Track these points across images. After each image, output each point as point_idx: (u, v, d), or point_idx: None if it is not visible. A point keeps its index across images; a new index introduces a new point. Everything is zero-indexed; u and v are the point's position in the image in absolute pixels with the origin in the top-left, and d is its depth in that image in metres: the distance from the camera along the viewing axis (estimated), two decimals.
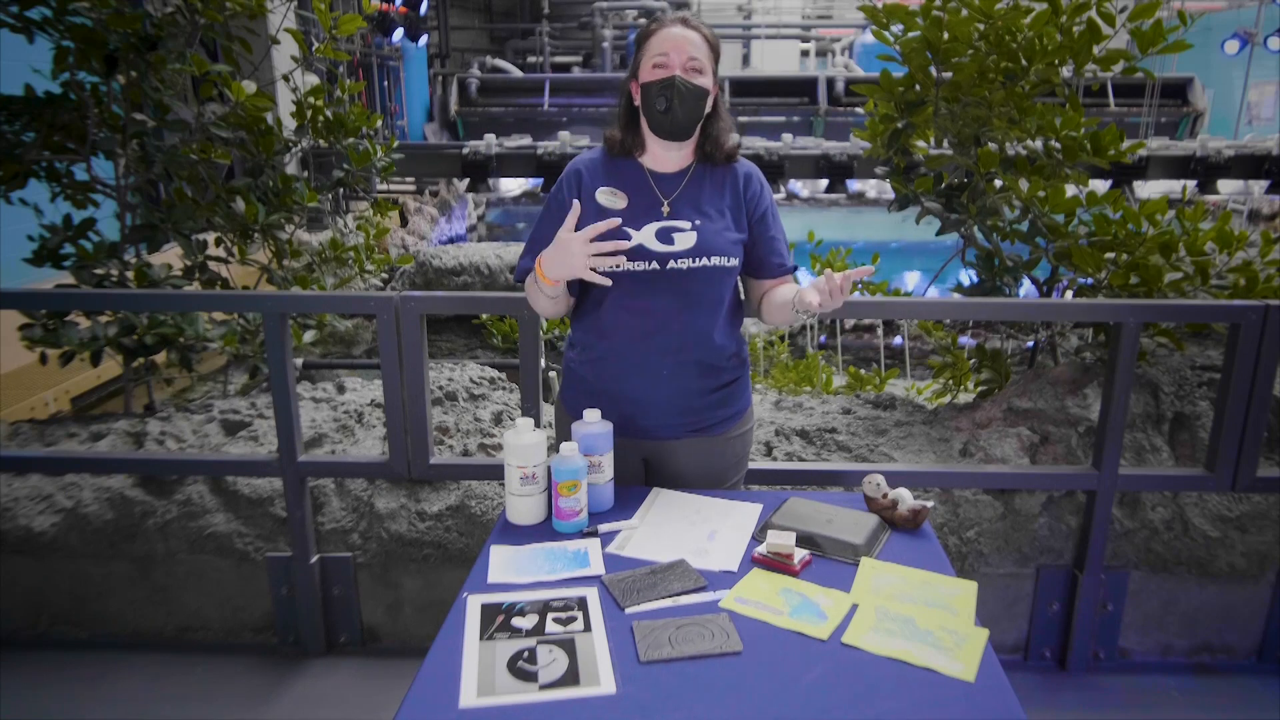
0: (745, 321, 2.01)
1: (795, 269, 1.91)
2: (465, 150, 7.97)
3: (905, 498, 1.69)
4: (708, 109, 1.76)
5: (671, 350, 1.79)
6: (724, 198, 1.82)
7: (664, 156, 1.81)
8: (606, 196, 1.78)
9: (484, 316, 5.27)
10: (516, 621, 1.38)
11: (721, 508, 1.77)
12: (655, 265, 1.75)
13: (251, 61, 3.20)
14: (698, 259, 1.76)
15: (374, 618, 2.59)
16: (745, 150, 7.68)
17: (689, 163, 1.82)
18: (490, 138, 8.07)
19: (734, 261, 1.80)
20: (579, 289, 1.87)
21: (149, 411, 3.04)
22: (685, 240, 1.76)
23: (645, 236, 1.76)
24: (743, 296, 1.95)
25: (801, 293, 1.64)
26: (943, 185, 2.91)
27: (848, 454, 2.61)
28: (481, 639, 1.34)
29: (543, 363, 2.33)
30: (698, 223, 1.78)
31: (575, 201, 1.69)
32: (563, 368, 1.97)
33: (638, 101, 1.76)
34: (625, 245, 1.66)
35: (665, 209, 1.78)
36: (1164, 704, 2.39)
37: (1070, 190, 2.71)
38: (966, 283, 2.94)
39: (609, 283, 1.66)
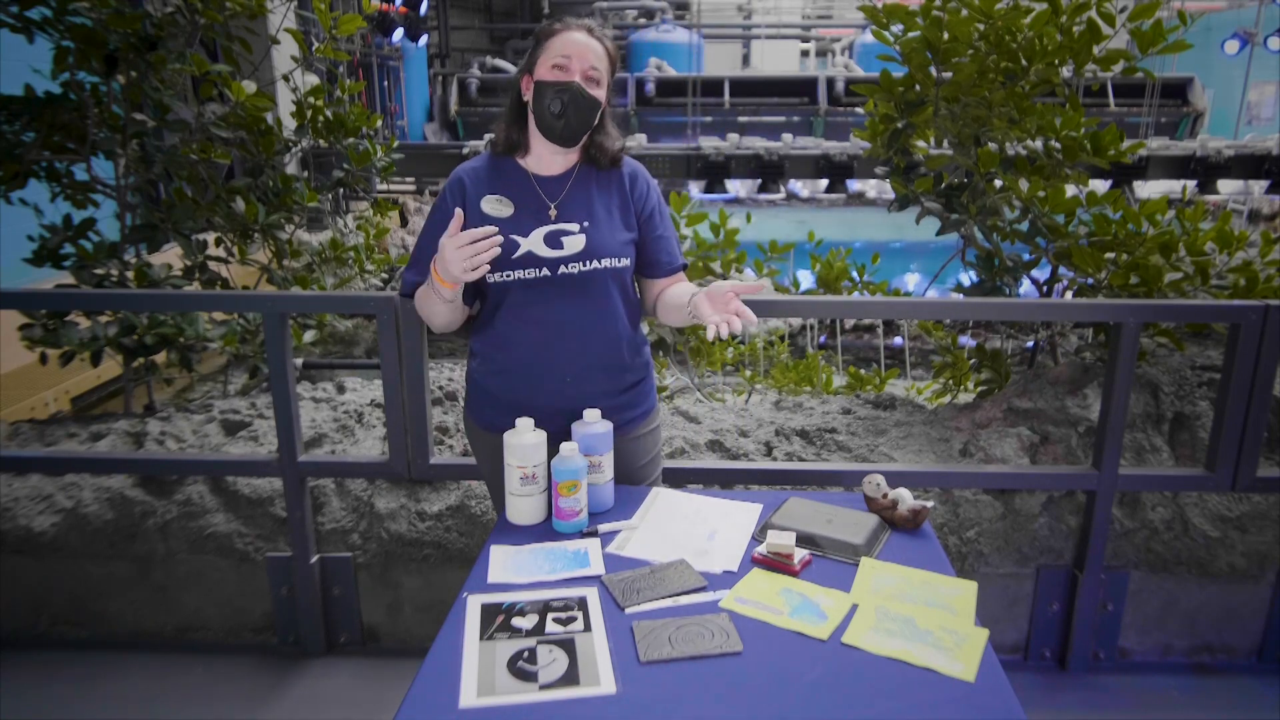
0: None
1: (684, 266, 1.90)
2: (465, 150, 7.96)
3: (905, 498, 1.69)
4: (595, 121, 1.75)
5: (572, 356, 1.78)
6: (612, 197, 1.80)
7: (549, 159, 1.78)
8: (492, 204, 1.76)
9: None
10: (516, 621, 1.38)
11: (721, 508, 1.77)
12: (546, 272, 1.73)
13: (251, 61, 3.20)
14: (589, 262, 1.74)
15: (374, 618, 2.59)
16: (745, 150, 7.60)
17: (574, 163, 1.80)
18: (490, 138, 8.07)
19: (625, 262, 1.78)
20: (476, 301, 1.84)
21: (149, 411, 3.04)
22: (574, 244, 1.74)
23: (534, 243, 1.73)
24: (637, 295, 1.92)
25: (696, 302, 1.64)
26: (943, 185, 2.92)
27: (848, 454, 2.61)
28: (481, 639, 1.34)
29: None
30: (586, 224, 1.76)
31: (458, 210, 1.63)
32: (465, 378, 1.94)
33: (528, 97, 1.74)
34: (497, 241, 1.57)
35: (552, 212, 1.76)
36: (1164, 704, 2.39)
37: (1070, 190, 2.71)
38: (966, 283, 2.94)
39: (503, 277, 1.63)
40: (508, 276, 1.73)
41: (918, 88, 2.78)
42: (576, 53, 1.68)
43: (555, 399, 1.79)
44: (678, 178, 7.69)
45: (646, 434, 1.93)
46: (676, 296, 1.80)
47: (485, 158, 1.84)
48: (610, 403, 1.82)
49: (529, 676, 1.25)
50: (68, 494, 2.53)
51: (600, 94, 1.72)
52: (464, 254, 1.55)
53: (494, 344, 1.82)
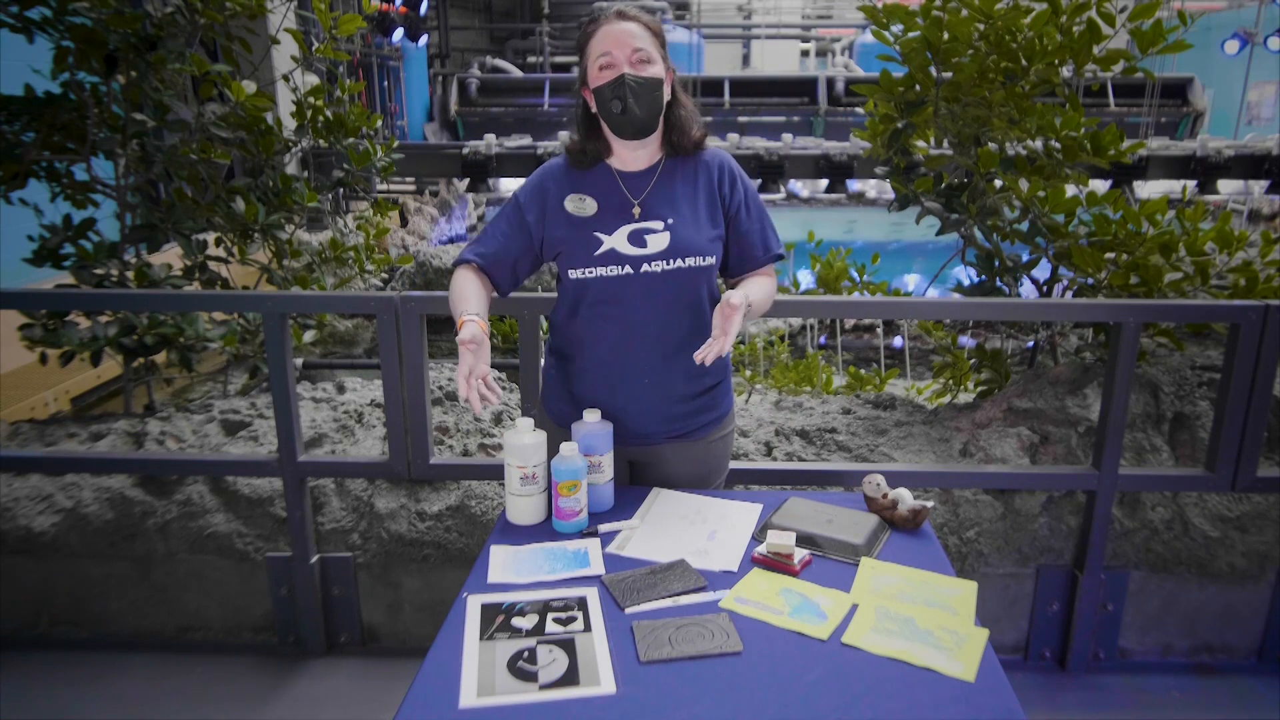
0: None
1: (780, 256, 1.85)
2: (465, 150, 7.95)
3: (905, 498, 1.69)
4: (666, 97, 1.71)
5: (652, 357, 1.76)
6: (697, 193, 1.77)
7: (630, 156, 1.76)
8: (574, 203, 1.75)
9: None
10: (516, 621, 1.38)
11: (721, 508, 1.77)
12: (629, 269, 1.70)
13: (251, 61, 3.20)
14: (672, 260, 1.71)
15: (374, 618, 2.59)
16: (745, 150, 7.57)
17: (657, 158, 1.78)
18: (490, 138, 8.06)
19: (710, 260, 1.75)
20: (514, 287, 1.83)
21: (149, 411, 3.04)
22: (658, 242, 1.71)
23: (617, 240, 1.71)
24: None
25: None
26: (943, 185, 2.92)
27: (848, 454, 2.61)
28: (481, 639, 1.34)
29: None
30: (671, 222, 1.73)
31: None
32: (542, 372, 1.93)
33: (594, 109, 1.72)
34: (488, 403, 1.52)
35: (636, 210, 1.73)
36: (1164, 704, 2.39)
37: (1070, 190, 2.71)
38: (966, 283, 2.94)
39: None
40: (589, 274, 1.71)
41: (918, 88, 2.78)
42: (615, 42, 1.65)
43: (632, 400, 1.77)
44: None
45: (721, 438, 1.90)
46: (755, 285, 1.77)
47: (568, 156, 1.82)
48: (687, 406, 1.81)
49: (529, 676, 1.25)
50: (68, 494, 2.53)
51: (655, 70, 1.67)
52: (468, 387, 1.52)
53: (572, 342, 1.80)
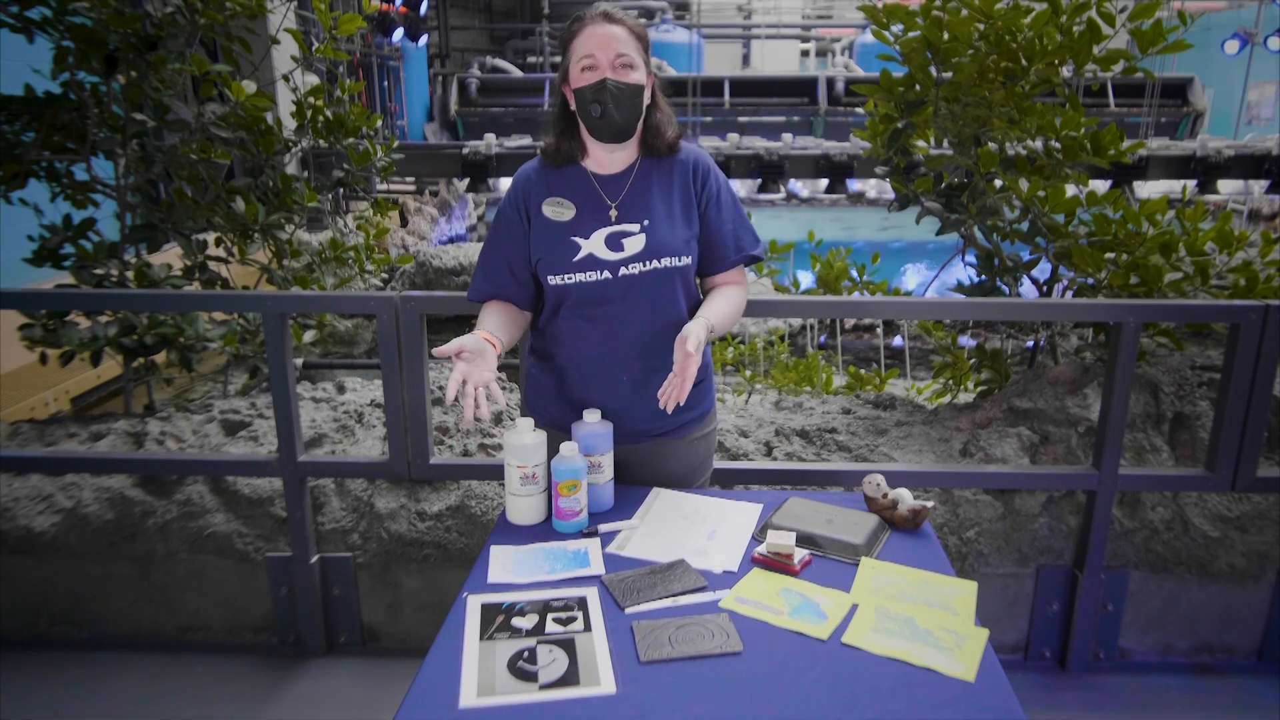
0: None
1: (753, 258, 1.85)
2: (465, 150, 7.95)
3: (905, 498, 1.69)
4: (646, 102, 1.72)
5: (631, 357, 1.77)
6: (673, 193, 1.78)
7: (607, 159, 1.76)
8: (552, 208, 1.75)
9: None
10: (516, 621, 1.38)
11: (721, 508, 1.77)
12: (607, 274, 1.72)
13: (251, 61, 3.20)
14: (649, 262, 1.73)
15: (374, 618, 2.59)
16: (745, 150, 7.55)
17: (633, 160, 1.78)
18: (490, 138, 8.06)
19: (686, 261, 1.76)
20: (535, 297, 1.84)
21: (149, 411, 3.04)
22: (635, 244, 1.72)
23: (595, 245, 1.72)
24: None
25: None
26: (943, 185, 2.91)
27: (848, 454, 2.61)
28: (481, 639, 1.34)
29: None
30: (647, 224, 1.74)
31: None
32: (524, 373, 1.93)
33: (573, 106, 1.71)
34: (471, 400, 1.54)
35: (613, 213, 1.74)
36: (1164, 704, 2.39)
37: (1070, 190, 2.71)
38: (967, 283, 2.94)
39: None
40: (568, 279, 1.72)
41: (918, 88, 2.78)
42: (599, 45, 1.65)
43: (611, 399, 1.78)
44: None
45: (702, 437, 1.91)
46: (718, 295, 1.78)
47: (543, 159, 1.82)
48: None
49: (529, 676, 1.25)
50: (68, 494, 2.53)
51: (638, 76, 1.68)
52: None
53: (552, 342, 1.81)
